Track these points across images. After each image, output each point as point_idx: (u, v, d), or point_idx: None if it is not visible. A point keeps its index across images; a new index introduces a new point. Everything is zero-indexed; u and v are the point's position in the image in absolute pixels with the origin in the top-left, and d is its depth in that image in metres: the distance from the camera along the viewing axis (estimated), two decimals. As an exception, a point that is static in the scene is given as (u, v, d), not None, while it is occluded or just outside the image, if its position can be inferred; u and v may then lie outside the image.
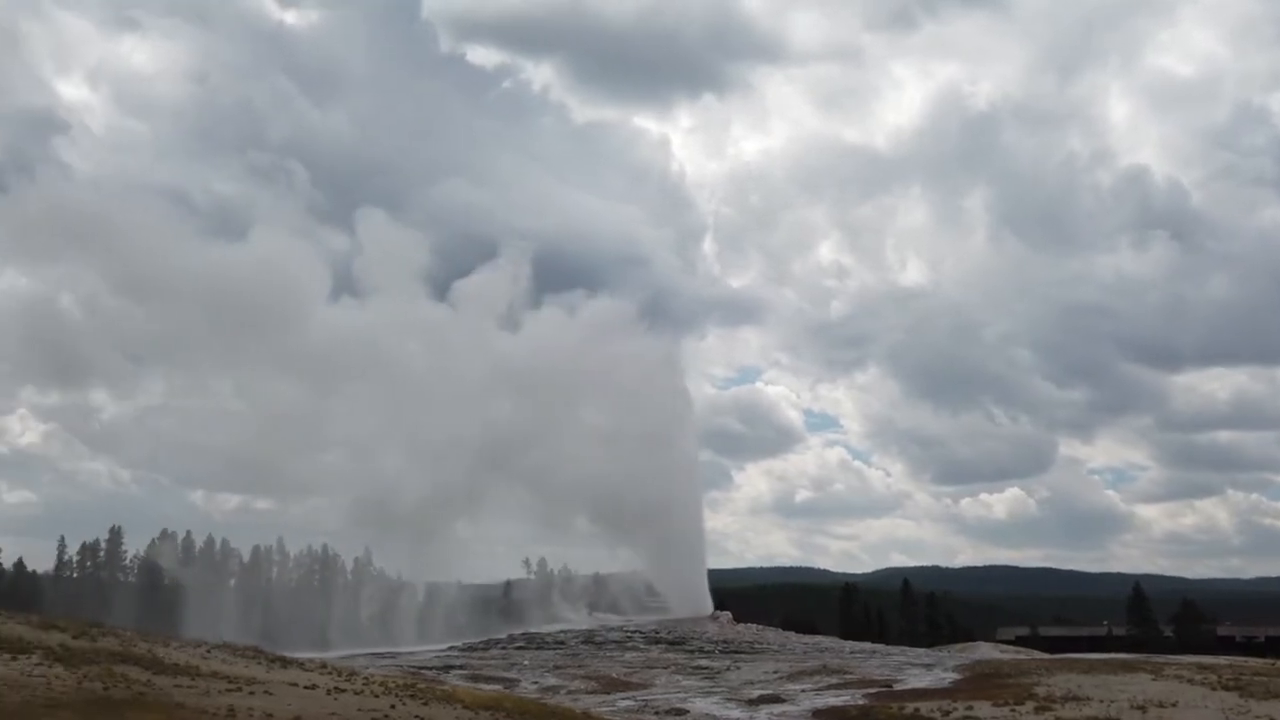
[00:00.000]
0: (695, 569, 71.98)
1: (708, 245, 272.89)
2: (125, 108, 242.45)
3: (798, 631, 66.67)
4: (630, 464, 72.05)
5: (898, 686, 36.07)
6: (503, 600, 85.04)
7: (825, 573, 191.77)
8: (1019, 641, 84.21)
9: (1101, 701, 28.45)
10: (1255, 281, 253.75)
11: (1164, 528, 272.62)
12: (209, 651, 26.23)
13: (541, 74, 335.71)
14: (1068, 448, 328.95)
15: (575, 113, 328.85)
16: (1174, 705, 27.52)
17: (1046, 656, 56.70)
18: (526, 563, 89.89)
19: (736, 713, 30.30)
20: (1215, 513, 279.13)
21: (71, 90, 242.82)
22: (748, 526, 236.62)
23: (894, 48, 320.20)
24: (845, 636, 74.25)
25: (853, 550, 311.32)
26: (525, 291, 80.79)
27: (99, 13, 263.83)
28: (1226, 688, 31.24)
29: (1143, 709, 26.96)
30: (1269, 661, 49.40)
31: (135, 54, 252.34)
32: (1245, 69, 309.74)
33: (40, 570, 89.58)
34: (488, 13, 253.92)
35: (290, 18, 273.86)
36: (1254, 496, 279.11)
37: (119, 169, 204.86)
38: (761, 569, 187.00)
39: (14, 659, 19.33)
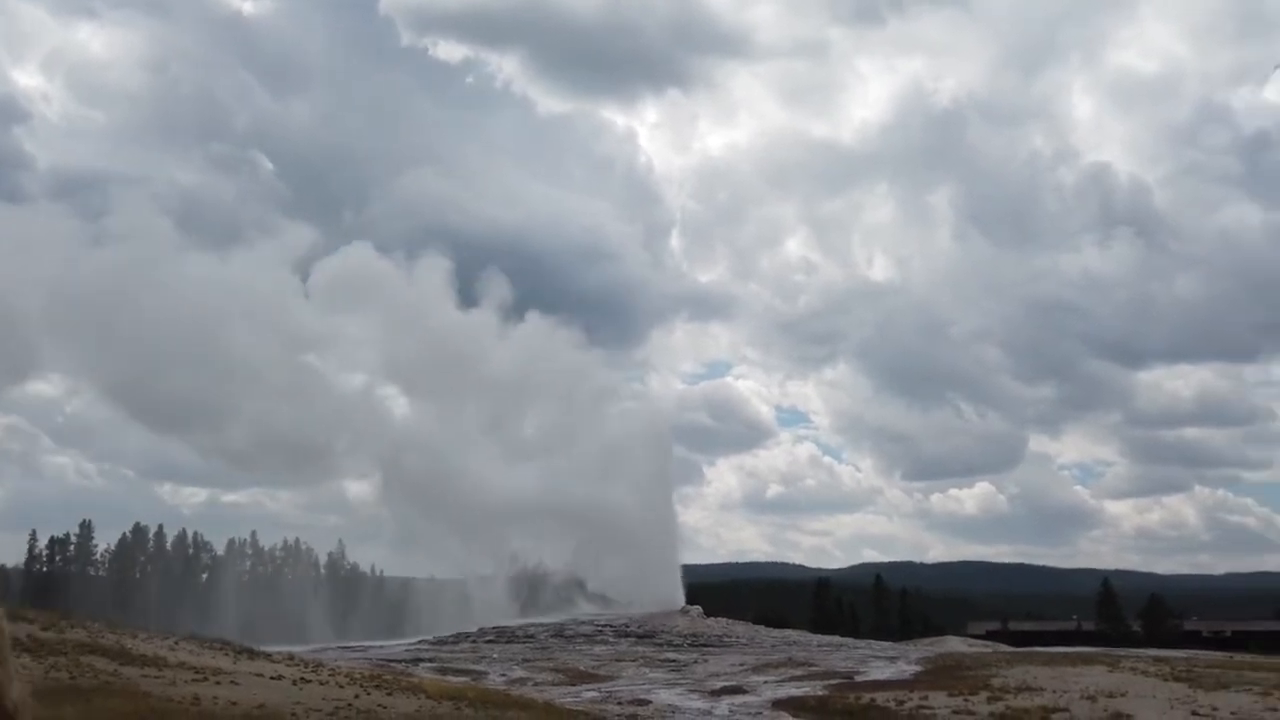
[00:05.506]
0: (667, 565, 72.46)
1: (675, 240, 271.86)
2: (82, 97, 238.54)
3: (770, 626, 67.27)
4: (597, 470, 72.86)
5: (859, 678, 36.69)
6: (475, 594, 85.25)
7: (799, 568, 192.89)
8: (989, 636, 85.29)
9: (1054, 692, 29.11)
10: (1219, 279, 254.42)
11: (1133, 523, 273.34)
12: (176, 643, 26.53)
13: (505, 67, 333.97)
14: (1036, 444, 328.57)
15: (540, 106, 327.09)
16: (1123, 695, 28.15)
17: (1010, 650, 57.65)
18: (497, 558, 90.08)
19: (698, 703, 30.75)
20: (1183, 509, 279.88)
21: (27, 79, 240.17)
22: (720, 522, 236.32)
23: (860, 43, 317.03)
24: (818, 631, 74.90)
25: (825, 546, 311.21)
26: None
27: (54, 1, 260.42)
28: (1178, 679, 31.91)
29: (1092, 699, 27.62)
30: (1226, 655, 50.54)
31: (92, 42, 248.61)
32: (1207, 66, 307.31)
33: (9, 564, 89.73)
34: (448, 6, 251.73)
35: (247, 7, 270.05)
36: (1220, 493, 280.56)
37: (80, 158, 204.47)
38: (735, 564, 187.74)
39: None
